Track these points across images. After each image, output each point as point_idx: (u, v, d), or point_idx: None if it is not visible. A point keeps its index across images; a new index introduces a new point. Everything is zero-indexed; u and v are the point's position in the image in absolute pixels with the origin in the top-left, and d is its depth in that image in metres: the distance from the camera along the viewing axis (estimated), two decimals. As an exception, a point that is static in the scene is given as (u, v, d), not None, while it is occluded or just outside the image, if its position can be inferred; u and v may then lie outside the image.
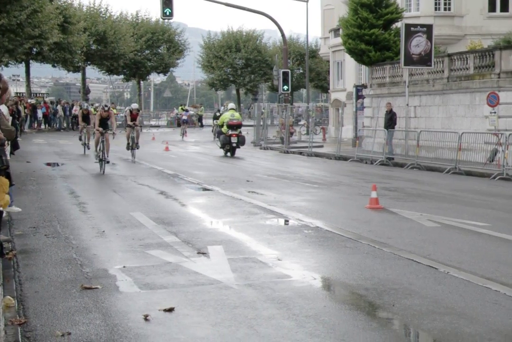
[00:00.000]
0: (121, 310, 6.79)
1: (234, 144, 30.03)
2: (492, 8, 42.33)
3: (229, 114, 30.93)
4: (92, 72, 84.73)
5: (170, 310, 6.74)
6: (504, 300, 7.11)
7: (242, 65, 78.62)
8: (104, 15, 67.32)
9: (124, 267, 8.57)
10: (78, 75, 75.71)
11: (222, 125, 30.77)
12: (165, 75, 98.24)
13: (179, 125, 67.67)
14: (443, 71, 29.39)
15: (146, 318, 6.49)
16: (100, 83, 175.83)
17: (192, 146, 38.36)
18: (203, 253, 9.37)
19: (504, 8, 42.39)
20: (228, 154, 30.14)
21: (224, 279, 7.98)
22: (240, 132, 30.42)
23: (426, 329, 6.24)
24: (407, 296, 7.26)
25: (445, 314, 6.62)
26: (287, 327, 6.25)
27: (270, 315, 6.62)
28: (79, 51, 59.09)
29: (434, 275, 8.21)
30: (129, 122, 27.04)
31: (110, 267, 8.60)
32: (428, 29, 28.74)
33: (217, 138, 33.07)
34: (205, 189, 17.49)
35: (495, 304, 6.95)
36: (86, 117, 29.63)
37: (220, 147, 30.75)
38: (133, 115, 27.18)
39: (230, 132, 30.03)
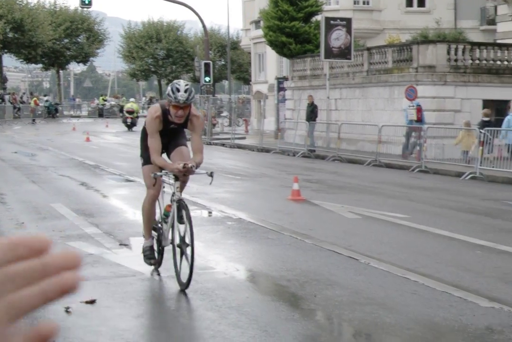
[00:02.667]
0: (42, 303, 6.69)
1: (129, 123, 44.43)
2: (409, 3, 43.13)
3: (129, 104, 46.77)
4: (9, 60, 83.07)
5: (92, 302, 6.68)
6: (422, 290, 7.27)
7: (164, 55, 78.11)
8: (20, 3, 65.93)
9: (44, 259, 8.44)
10: (-5, 64, 74.13)
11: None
12: (85, 64, 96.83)
13: (100, 115, 67.08)
14: (362, 65, 29.76)
15: (67, 310, 6.42)
16: (18, 72, 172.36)
17: (114, 137, 37.96)
18: (125, 245, 9.32)
19: (421, 3, 43.24)
20: (127, 128, 44.04)
21: (147, 270, 7.94)
22: (134, 116, 44.72)
23: (347, 319, 6.34)
24: (328, 287, 7.35)
25: (366, 304, 6.74)
26: (210, 318, 6.27)
27: (193, 306, 6.63)
28: (-4, 39, 57.80)
29: (355, 266, 8.33)
30: None
31: (30, 259, 8.46)
32: (347, 23, 29.04)
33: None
34: (127, 180, 17.35)
35: (413, 294, 7.09)
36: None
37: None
38: None
39: (126, 115, 44.88)
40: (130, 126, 44.07)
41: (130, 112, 44.85)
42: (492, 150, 20.82)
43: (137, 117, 44.92)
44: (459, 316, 6.34)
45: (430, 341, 5.74)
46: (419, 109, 24.43)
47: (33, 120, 55.07)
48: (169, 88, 7.35)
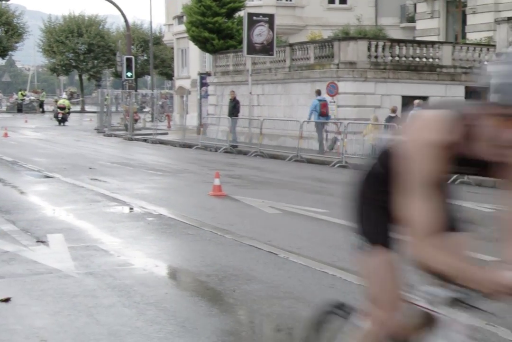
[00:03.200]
0: (-45, 302, 6.55)
1: (60, 118, 46.83)
2: (331, 0, 43.55)
3: (61, 100, 48.67)
4: None
5: (7, 300, 6.55)
6: (340, 283, 7.35)
7: (85, 50, 77.01)
8: None
9: (-42, 257, 8.26)
10: None
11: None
12: (3, 59, 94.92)
13: (19, 111, 65.83)
14: (285, 61, 29.93)
15: (-19, 309, 6.29)
16: None
17: (33, 133, 37.31)
18: (42, 242, 9.17)
19: (343, 0, 43.73)
20: (57, 123, 46.33)
21: (64, 267, 7.84)
22: (65, 112, 47.17)
23: (265, 313, 6.36)
24: (247, 282, 7.37)
25: (284, 298, 6.78)
26: (127, 315, 6.22)
27: (110, 303, 6.56)
28: None
29: (274, 261, 8.37)
30: None
31: None
32: (270, 19, 29.17)
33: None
34: (46, 176, 17.09)
35: (331, 288, 7.17)
36: None
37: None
38: None
39: (58, 110, 47.11)
40: (61, 121, 46.77)
41: (62, 108, 47.20)
42: None
43: (68, 113, 48.41)
44: (375, 309, 6.42)
45: (346, 333, 5.79)
46: (324, 104, 24.90)
47: None
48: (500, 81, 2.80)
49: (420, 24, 36.78)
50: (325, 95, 25.85)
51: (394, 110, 23.86)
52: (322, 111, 25.13)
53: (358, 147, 23.07)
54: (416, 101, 23.00)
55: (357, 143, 23.22)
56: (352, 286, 7.24)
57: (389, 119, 23.57)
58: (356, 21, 40.23)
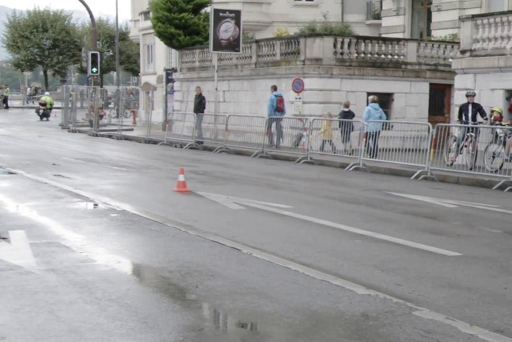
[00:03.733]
0: None
1: (41, 114, 49.54)
2: (298, -4, 43.59)
3: (43, 97, 51.58)
4: None
5: (-34, 297, 6.49)
6: (303, 279, 7.36)
7: (50, 45, 76.52)
8: None
9: None
10: None
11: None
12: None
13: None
14: (251, 57, 29.92)
15: None
16: None
17: (-3, 129, 36.99)
18: (3, 238, 9.08)
19: (310, -4, 43.74)
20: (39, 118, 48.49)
21: (25, 264, 7.76)
22: (46, 108, 49.81)
23: (228, 309, 6.35)
24: (210, 278, 7.36)
25: (246, 294, 6.77)
26: (88, 311, 6.18)
27: (71, 299, 6.51)
28: None
29: (237, 256, 8.37)
30: None
31: None
32: (236, 15, 29.10)
33: None
34: (8, 172, 16.94)
35: (294, 283, 7.18)
36: None
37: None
38: None
39: (40, 106, 50.15)
40: (42, 116, 49.63)
41: (43, 104, 50.23)
42: (349, 139, 22.45)
43: (50, 109, 50.99)
44: (336, 304, 6.45)
45: (307, 328, 5.81)
46: (280, 100, 25.16)
47: None
48: None
49: (385, 21, 36.95)
50: (291, 92, 25.92)
51: (347, 105, 24.10)
52: (279, 107, 25.38)
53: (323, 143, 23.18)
54: (371, 97, 23.20)
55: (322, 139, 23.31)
56: (314, 281, 7.26)
57: (343, 114, 23.87)
58: (322, 17, 40.26)
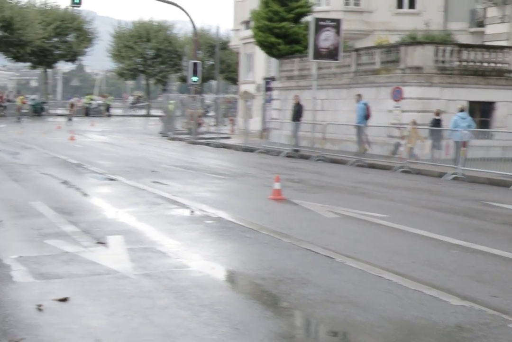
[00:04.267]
0: (14, 300, 6.67)
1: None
2: (399, 4, 43.15)
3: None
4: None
5: (64, 299, 6.64)
6: (396, 288, 7.27)
7: (152, 55, 77.95)
8: (10, 1, 65.75)
9: (20, 256, 8.40)
10: (-17, 62, 73.94)
11: None
12: (73, 63, 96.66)
13: (86, 115, 66.89)
14: (350, 66, 29.79)
15: (39, 308, 6.38)
16: (6, 71, 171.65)
17: (99, 136, 37.88)
18: (102, 243, 9.28)
19: (411, 5, 43.25)
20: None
21: (122, 268, 7.91)
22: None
23: (319, 317, 6.33)
24: (303, 286, 7.35)
25: (338, 302, 6.73)
26: (182, 316, 6.25)
27: (165, 304, 6.60)
28: (-16, 38, 57.63)
29: (331, 265, 8.33)
30: None
31: (6, 256, 8.43)
32: (337, 24, 29.02)
33: None
34: (109, 179, 17.31)
35: (387, 293, 7.09)
36: None
37: None
38: None
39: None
40: None
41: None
42: (439, 147, 22.63)
43: None
44: (429, 314, 6.34)
45: (400, 339, 5.74)
46: (368, 108, 25.25)
47: (19, 118, 54.94)
48: None
49: (489, 29, 36.19)
50: (389, 100, 25.72)
51: (438, 114, 23.94)
52: (368, 115, 25.43)
53: (422, 153, 22.86)
54: (458, 106, 22.91)
55: (420, 148, 22.99)
56: (407, 291, 7.16)
57: (434, 122, 23.82)
58: (424, 26, 39.77)
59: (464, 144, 20.31)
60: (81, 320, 6.12)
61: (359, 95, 26.36)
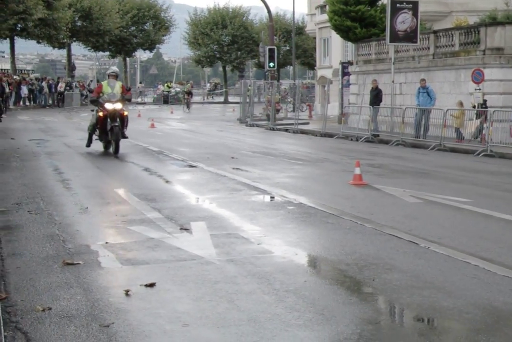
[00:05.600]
0: (102, 286, 6.82)
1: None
2: (478, -16, 42.25)
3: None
4: (77, 48, 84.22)
5: (151, 285, 6.76)
6: (483, 274, 7.18)
7: (229, 42, 78.13)
8: (89, -9, 66.83)
9: (106, 243, 8.58)
10: (64, 52, 75.45)
11: None
12: (151, 52, 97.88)
13: (165, 102, 67.56)
14: (428, 48, 29.38)
15: (127, 293, 6.51)
16: (86, 60, 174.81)
17: (178, 124, 38.28)
18: (185, 229, 9.39)
19: (491, -16, 42.29)
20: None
21: (206, 254, 8.00)
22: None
23: (405, 303, 6.29)
24: (387, 271, 7.31)
25: (424, 288, 6.68)
26: (267, 301, 6.29)
27: (250, 290, 6.66)
28: (64, 28, 58.70)
29: (415, 250, 8.26)
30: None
31: (93, 243, 8.61)
32: (414, 6, 28.65)
33: None
34: (189, 166, 17.47)
35: (473, 278, 7.01)
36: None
37: None
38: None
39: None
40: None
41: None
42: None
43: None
44: (519, 301, 6.25)
45: (489, 325, 5.66)
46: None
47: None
48: None
49: None
50: (470, 83, 25.29)
51: None
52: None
53: (505, 136, 22.41)
54: None
55: (504, 131, 22.54)
56: (496, 277, 7.06)
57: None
58: (504, 5, 38.84)
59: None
60: (169, 305, 6.22)
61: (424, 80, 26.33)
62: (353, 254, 8.05)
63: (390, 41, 28.68)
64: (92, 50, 76.00)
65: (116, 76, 19.88)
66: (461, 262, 7.69)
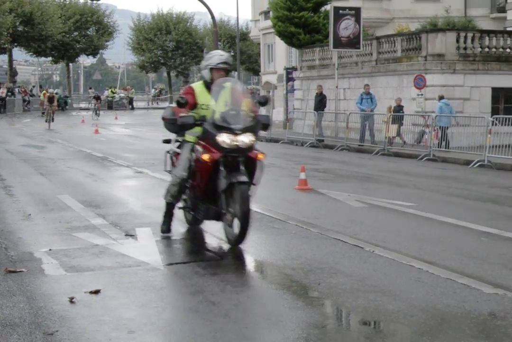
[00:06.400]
0: (46, 293, 6.72)
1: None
2: (419, -9, 42.85)
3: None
4: (19, 54, 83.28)
5: (96, 292, 6.69)
6: (427, 277, 7.25)
7: (173, 47, 78.03)
8: (30, -4, 66.10)
9: (50, 250, 8.47)
10: (5, 57, 74.45)
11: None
12: (94, 57, 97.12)
13: (109, 108, 67.08)
14: (371, 54, 29.68)
15: (71, 300, 6.43)
16: (28, 65, 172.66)
17: (123, 129, 38.02)
18: (131, 235, 9.32)
19: (431, -9, 42.93)
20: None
21: (152, 260, 7.95)
22: None
23: (351, 306, 6.33)
24: (333, 275, 7.35)
25: (369, 292, 6.73)
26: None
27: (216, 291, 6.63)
28: (5, 33, 57.91)
29: (360, 254, 8.32)
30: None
31: (36, 250, 8.49)
32: (356, 12, 28.95)
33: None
34: (135, 172, 17.37)
35: (417, 281, 7.08)
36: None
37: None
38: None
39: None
40: None
41: None
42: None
43: None
44: (462, 303, 6.32)
45: (433, 327, 5.72)
46: None
47: (43, 113, 55.20)
48: None
49: (511, 14, 35.89)
50: (412, 88, 25.62)
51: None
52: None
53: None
54: (440, 94, 24.15)
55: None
56: (439, 279, 7.14)
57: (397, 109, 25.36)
58: (445, 12, 39.49)
59: (490, 131, 20.22)
60: (114, 312, 6.16)
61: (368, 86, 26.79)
62: (298, 259, 8.07)
63: (334, 47, 28.91)
64: (34, 55, 75.18)
65: (227, 72, 9.17)
66: (405, 265, 7.76)
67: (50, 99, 39.19)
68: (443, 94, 24.16)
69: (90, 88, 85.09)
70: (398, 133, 24.60)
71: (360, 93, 26.86)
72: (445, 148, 22.59)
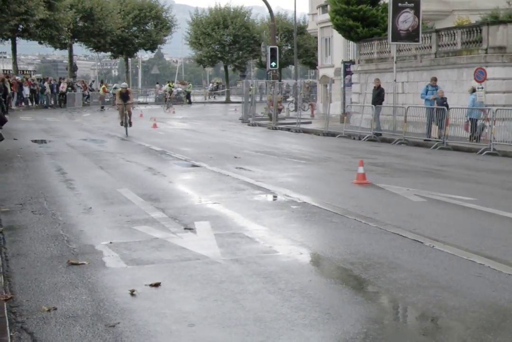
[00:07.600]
0: (108, 286, 6.81)
1: None
2: (480, -17, 42.19)
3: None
4: (79, 49, 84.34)
5: (157, 285, 6.76)
6: (488, 273, 7.16)
7: (230, 41, 78.11)
8: (90, -8, 66.88)
9: (110, 242, 8.58)
10: (65, 52, 75.34)
11: None
12: (152, 52, 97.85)
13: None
14: (430, 47, 29.34)
15: (132, 293, 6.51)
16: (88, 60, 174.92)
17: (180, 123, 38.26)
18: (190, 229, 9.39)
19: (492, -17, 42.24)
20: None
21: (211, 254, 8.00)
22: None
23: (411, 302, 6.28)
24: (392, 270, 7.30)
25: (430, 287, 6.67)
26: (272, 301, 6.29)
27: (255, 289, 6.65)
28: (66, 28, 58.74)
29: (419, 249, 8.25)
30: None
31: (97, 243, 8.61)
32: (415, 5, 28.59)
33: None
34: (192, 165, 17.47)
35: (479, 277, 7.00)
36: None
37: None
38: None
39: None
40: None
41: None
42: None
43: None
44: (525, 299, 6.24)
45: (494, 323, 5.65)
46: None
47: (102, 107, 55.92)
48: None
49: None
50: (472, 81, 25.26)
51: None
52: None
53: (507, 134, 22.37)
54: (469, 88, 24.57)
55: (506, 130, 22.50)
56: (501, 275, 7.05)
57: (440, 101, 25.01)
58: (506, 4, 38.79)
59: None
60: (174, 305, 6.22)
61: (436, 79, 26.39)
62: (357, 253, 8.04)
63: (392, 41, 28.62)
64: (94, 50, 76.03)
65: None
66: (466, 260, 7.68)
67: (124, 96, 28.25)
68: (482, 87, 24.13)
69: (157, 83, 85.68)
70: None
71: (426, 84, 26.55)
72: (476, 141, 22.95)
